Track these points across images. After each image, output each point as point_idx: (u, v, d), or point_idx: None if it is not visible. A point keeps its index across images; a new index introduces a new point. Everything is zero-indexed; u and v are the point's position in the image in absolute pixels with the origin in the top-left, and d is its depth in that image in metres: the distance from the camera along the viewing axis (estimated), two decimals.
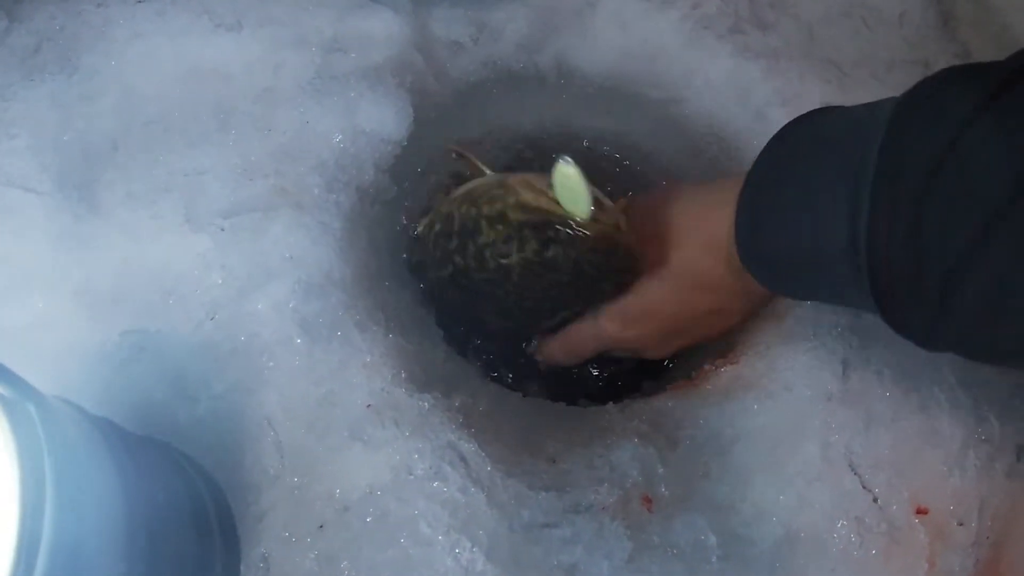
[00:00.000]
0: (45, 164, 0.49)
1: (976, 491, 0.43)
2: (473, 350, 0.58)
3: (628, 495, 0.40)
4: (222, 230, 0.46)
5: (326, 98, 0.51)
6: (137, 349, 0.44)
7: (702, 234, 0.42)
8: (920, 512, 0.42)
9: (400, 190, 0.52)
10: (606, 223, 0.41)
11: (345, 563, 0.38)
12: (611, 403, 0.48)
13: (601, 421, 0.46)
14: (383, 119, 0.50)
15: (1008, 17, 0.56)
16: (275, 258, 0.45)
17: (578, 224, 0.40)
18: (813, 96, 0.53)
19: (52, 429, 0.27)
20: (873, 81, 0.54)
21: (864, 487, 0.42)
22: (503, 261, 0.43)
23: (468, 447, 0.40)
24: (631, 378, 0.59)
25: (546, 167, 0.41)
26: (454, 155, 0.49)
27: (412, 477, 0.39)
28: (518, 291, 0.45)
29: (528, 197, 0.42)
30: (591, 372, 0.60)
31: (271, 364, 0.43)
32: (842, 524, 0.41)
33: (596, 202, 0.40)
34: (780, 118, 0.52)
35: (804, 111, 0.48)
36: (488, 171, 0.46)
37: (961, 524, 0.42)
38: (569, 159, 0.39)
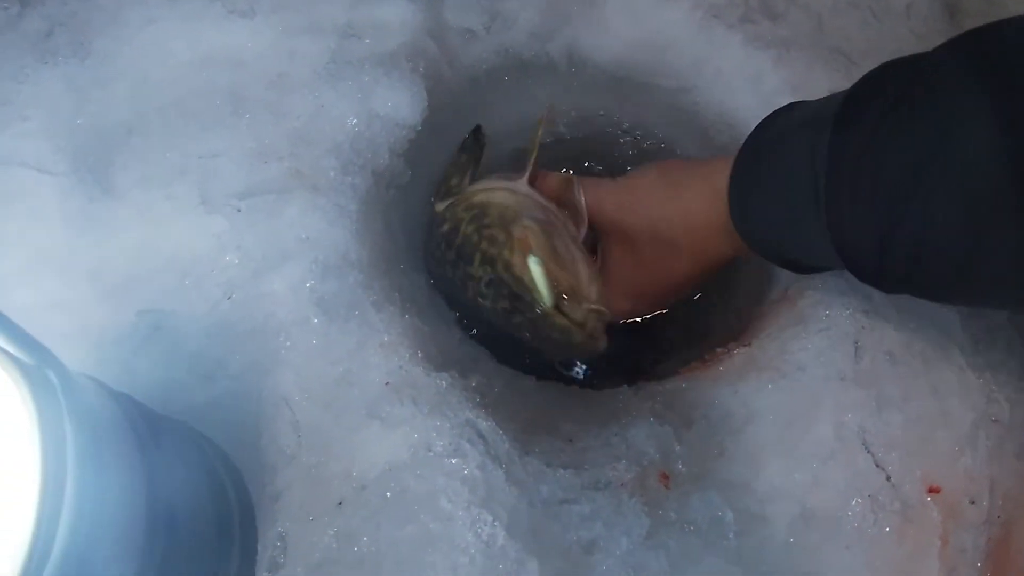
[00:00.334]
0: (59, 146, 0.49)
1: (987, 471, 0.43)
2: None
3: (645, 472, 0.41)
4: (238, 211, 0.46)
5: (340, 83, 0.51)
6: (153, 329, 0.44)
7: (700, 210, 0.46)
8: (932, 491, 0.42)
9: (415, 174, 0.52)
10: (571, 318, 0.45)
11: (365, 539, 0.38)
12: (625, 385, 0.48)
13: (616, 402, 0.46)
14: (398, 104, 0.51)
15: (1013, 9, 0.57)
16: (291, 239, 0.45)
17: (543, 310, 0.45)
18: (822, 85, 0.54)
19: (73, 398, 0.27)
20: None
21: (877, 466, 0.42)
22: (480, 299, 0.48)
23: (486, 425, 0.41)
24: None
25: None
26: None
27: (431, 454, 0.39)
28: (491, 318, 0.50)
29: (516, 263, 0.46)
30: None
31: (288, 344, 0.43)
32: (856, 502, 0.41)
33: (572, 292, 0.45)
34: None
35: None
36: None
37: (973, 503, 0.42)
38: (536, 260, 0.45)
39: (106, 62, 0.52)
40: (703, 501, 0.40)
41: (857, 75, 0.55)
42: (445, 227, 0.50)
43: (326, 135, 0.49)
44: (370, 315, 0.44)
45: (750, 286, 0.57)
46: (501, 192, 0.50)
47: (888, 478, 0.42)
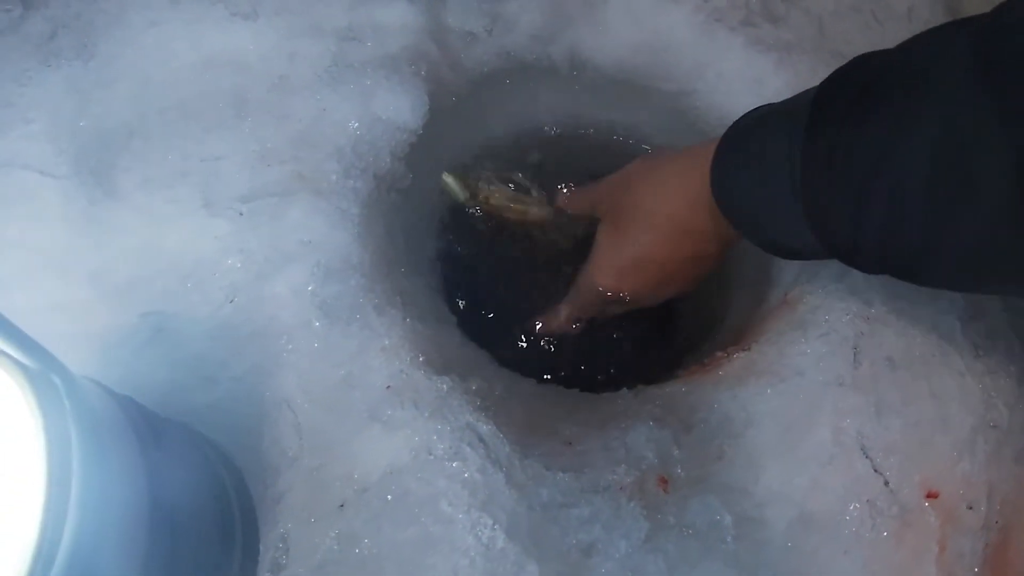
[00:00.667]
0: (62, 148, 0.49)
1: (985, 476, 0.43)
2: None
3: (644, 476, 0.41)
4: (240, 214, 0.46)
5: (342, 86, 0.51)
6: (155, 332, 0.44)
7: (684, 189, 0.48)
8: (931, 496, 0.43)
9: (416, 178, 0.52)
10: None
11: (366, 541, 0.38)
12: (625, 389, 0.48)
13: (615, 406, 0.46)
14: (399, 107, 0.51)
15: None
16: (293, 242, 0.46)
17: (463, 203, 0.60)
18: None
19: (77, 401, 0.27)
20: None
21: (875, 471, 0.42)
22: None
23: (486, 428, 0.41)
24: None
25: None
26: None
27: (432, 457, 0.40)
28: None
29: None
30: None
31: (290, 347, 0.43)
32: (854, 507, 0.41)
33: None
34: None
35: None
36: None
37: (971, 508, 0.42)
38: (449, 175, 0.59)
39: (109, 64, 0.52)
40: (702, 505, 0.40)
41: None
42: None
43: (328, 138, 0.49)
44: (371, 318, 0.44)
45: (749, 290, 0.57)
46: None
47: (886, 483, 0.42)
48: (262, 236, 0.46)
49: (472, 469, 0.39)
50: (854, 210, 0.35)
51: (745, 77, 0.55)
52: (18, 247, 0.46)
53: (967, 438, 0.44)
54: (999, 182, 0.30)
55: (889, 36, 0.57)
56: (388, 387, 0.42)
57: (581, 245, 0.58)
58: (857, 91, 0.36)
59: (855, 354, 0.45)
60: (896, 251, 0.35)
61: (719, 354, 0.49)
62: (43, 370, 0.27)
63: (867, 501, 0.42)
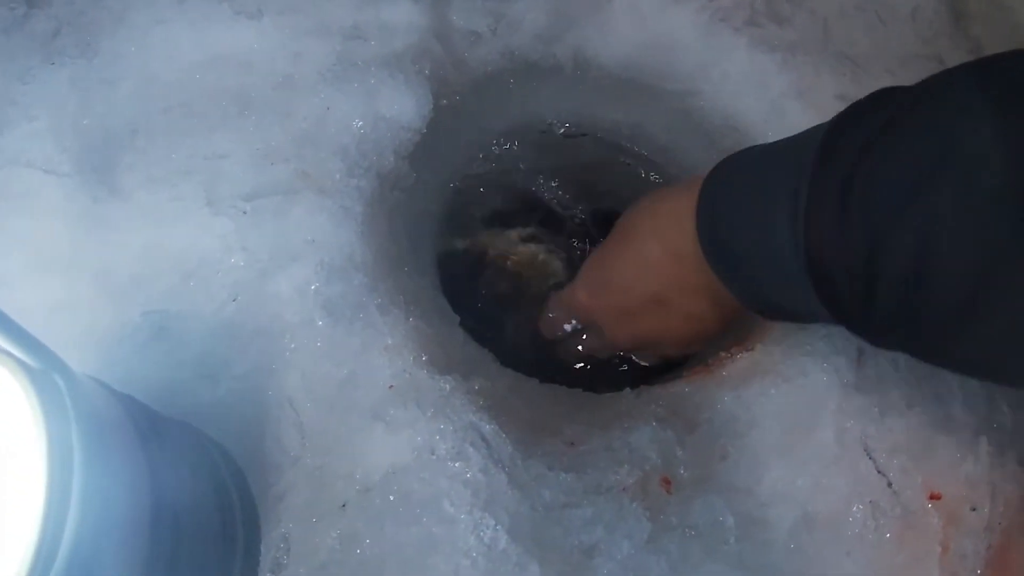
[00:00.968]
0: (65, 146, 0.49)
1: (988, 478, 0.43)
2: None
3: (647, 477, 0.41)
4: (244, 213, 0.46)
5: (346, 85, 0.51)
6: (158, 330, 0.44)
7: (676, 219, 0.43)
8: (933, 497, 0.42)
9: (419, 177, 0.52)
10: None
11: (368, 541, 0.38)
12: (628, 389, 0.48)
13: (618, 406, 0.46)
14: (403, 106, 0.51)
15: (1019, 15, 0.57)
16: (297, 241, 0.46)
17: None
18: (828, 89, 0.54)
19: (79, 401, 0.27)
20: (887, 75, 0.55)
21: (879, 472, 0.42)
22: None
23: (489, 428, 0.41)
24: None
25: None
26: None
27: (434, 457, 0.39)
28: None
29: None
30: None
31: (293, 345, 0.43)
32: (857, 508, 0.41)
33: None
34: (796, 110, 0.53)
35: (819, 104, 0.50)
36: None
37: (974, 509, 0.42)
38: None
39: (113, 63, 0.52)
40: (705, 505, 0.40)
41: (863, 79, 0.55)
42: None
43: (332, 137, 0.49)
44: (375, 318, 0.44)
45: None
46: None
47: (889, 484, 0.42)
48: (265, 234, 0.46)
49: (475, 469, 0.39)
50: (874, 249, 0.28)
51: (750, 77, 0.55)
52: (21, 245, 0.46)
53: (970, 440, 0.44)
54: None
55: (893, 36, 0.57)
56: (391, 386, 0.42)
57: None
58: (881, 123, 0.30)
59: (859, 355, 0.45)
60: (922, 310, 0.28)
61: (723, 354, 0.49)
62: (45, 369, 0.27)
63: (870, 502, 0.42)
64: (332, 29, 0.53)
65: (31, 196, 0.48)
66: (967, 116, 0.27)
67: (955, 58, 0.56)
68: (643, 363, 0.57)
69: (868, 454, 0.43)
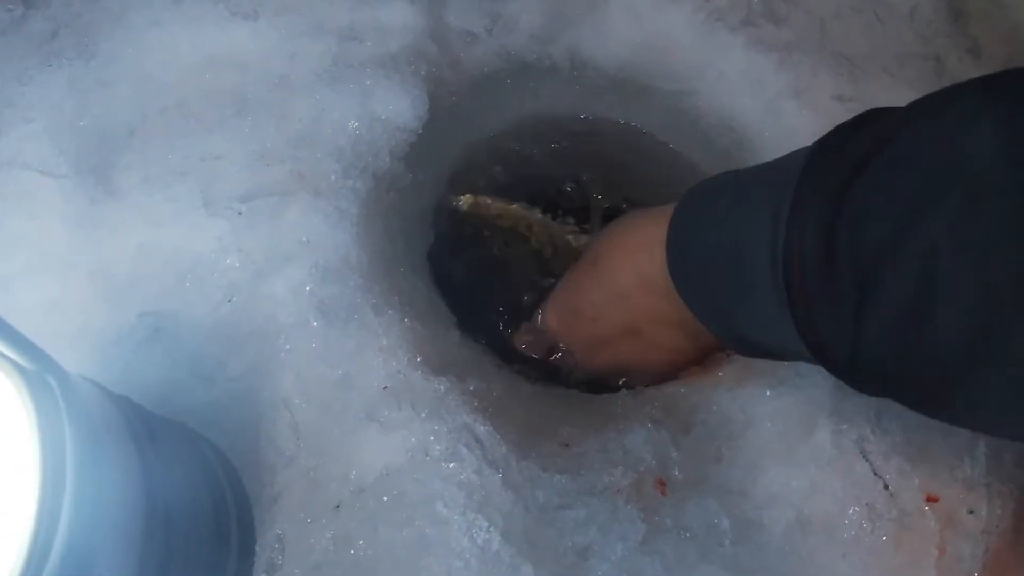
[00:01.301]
0: (62, 148, 0.49)
1: (985, 480, 0.43)
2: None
3: (642, 478, 0.41)
4: (239, 214, 0.46)
5: (342, 86, 0.51)
6: (153, 331, 0.44)
7: (635, 249, 0.41)
8: (930, 500, 0.42)
9: (415, 178, 0.52)
10: None
11: (361, 542, 0.38)
12: (623, 390, 0.48)
13: (613, 407, 0.46)
14: (399, 107, 0.51)
15: (1018, 14, 0.57)
16: (292, 242, 0.46)
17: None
18: (825, 89, 0.53)
19: (72, 401, 0.27)
20: (884, 75, 0.55)
21: (875, 474, 0.42)
22: None
23: (483, 430, 0.41)
24: None
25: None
26: None
27: (428, 458, 0.39)
28: None
29: None
30: None
31: (288, 346, 0.43)
32: (853, 510, 0.41)
33: None
34: (792, 110, 0.53)
35: (816, 104, 0.49)
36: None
37: (971, 512, 0.42)
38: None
39: (110, 64, 0.52)
40: (699, 507, 0.40)
41: (861, 79, 0.55)
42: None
43: (327, 138, 0.49)
44: (369, 319, 0.44)
45: None
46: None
47: (886, 486, 0.42)
48: (261, 236, 0.46)
49: (468, 470, 0.39)
50: (860, 295, 0.25)
51: (746, 77, 0.55)
52: (17, 245, 0.46)
53: (967, 442, 0.43)
54: None
55: (891, 36, 0.56)
56: (385, 387, 0.42)
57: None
58: (872, 143, 0.27)
59: None
60: (924, 351, 0.24)
61: (718, 355, 0.49)
62: (38, 370, 0.27)
63: (866, 504, 0.42)
64: (328, 30, 0.53)
65: (28, 197, 0.48)
66: (971, 131, 0.24)
67: (954, 57, 0.56)
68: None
69: (864, 456, 0.43)
